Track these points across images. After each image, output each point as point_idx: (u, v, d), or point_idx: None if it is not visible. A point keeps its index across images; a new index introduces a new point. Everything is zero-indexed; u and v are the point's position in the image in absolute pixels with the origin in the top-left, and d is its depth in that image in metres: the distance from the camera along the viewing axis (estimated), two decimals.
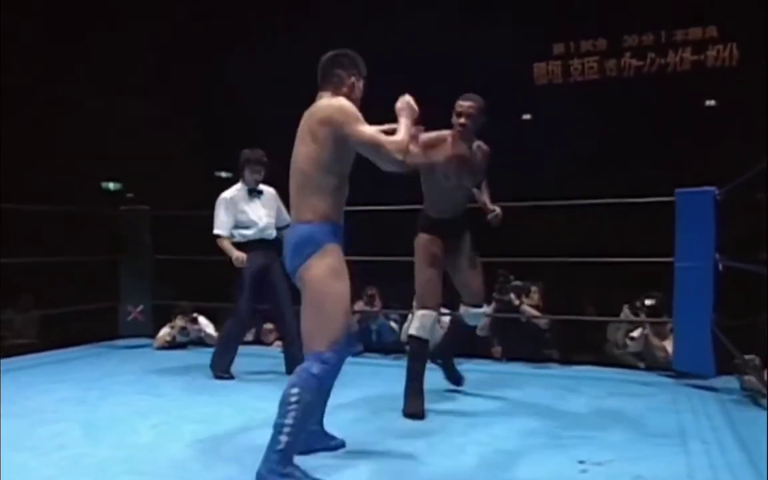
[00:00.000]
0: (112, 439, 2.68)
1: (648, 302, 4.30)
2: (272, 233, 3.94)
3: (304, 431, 2.17)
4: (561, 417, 3.06)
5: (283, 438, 2.10)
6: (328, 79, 2.35)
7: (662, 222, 3.88)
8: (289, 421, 2.10)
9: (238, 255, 3.79)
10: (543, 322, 4.57)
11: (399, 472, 2.36)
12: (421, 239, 3.17)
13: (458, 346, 3.63)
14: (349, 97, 2.31)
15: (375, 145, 2.20)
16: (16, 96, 7.62)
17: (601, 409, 3.19)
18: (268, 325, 5.15)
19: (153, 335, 4.95)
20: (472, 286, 3.28)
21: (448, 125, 3.14)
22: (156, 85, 9.05)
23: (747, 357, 3.39)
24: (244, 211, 3.88)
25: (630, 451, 2.56)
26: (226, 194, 3.90)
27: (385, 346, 4.82)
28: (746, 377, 3.40)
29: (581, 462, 2.43)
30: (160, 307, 5.19)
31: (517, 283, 4.55)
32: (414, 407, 3.01)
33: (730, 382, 3.61)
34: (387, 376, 3.92)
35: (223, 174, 10.36)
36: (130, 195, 9.78)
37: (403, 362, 3.86)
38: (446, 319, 3.99)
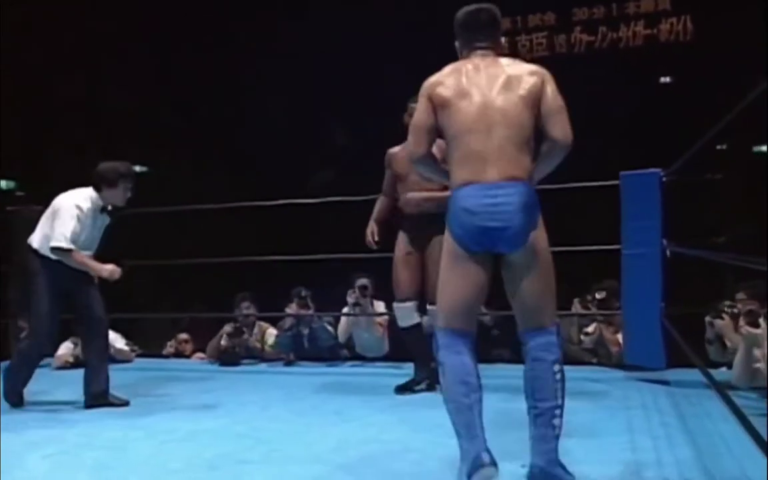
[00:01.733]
0: None
1: (598, 295, 4.46)
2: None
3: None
4: (505, 419, 3.12)
5: (558, 421, 2.20)
6: (486, 37, 2.33)
7: (612, 208, 4.03)
8: (560, 401, 2.20)
9: (111, 268, 3.55)
10: (487, 318, 4.68)
11: None
12: (398, 236, 3.71)
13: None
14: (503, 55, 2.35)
15: (562, 111, 2.24)
16: None
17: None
18: (183, 336, 5.09)
19: (52, 354, 4.79)
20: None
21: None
22: (57, 68, 8.73)
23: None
24: (90, 232, 3.61)
25: (577, 452, 2.64)
26: (84, 204, 3.57)
27: (320, 352, 4.81)
28: (717, 321, 3.56)
29: (524, 466, 2.50)
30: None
31: None
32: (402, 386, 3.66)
33: (682, 374, 3.78)
34: (323, 387, 3.93)
35: (138, 168, 10.10)
36: (20, 193, 9.39)
37: (342, 369, 4.01)
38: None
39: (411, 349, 3.78)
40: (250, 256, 5.13)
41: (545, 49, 8.78)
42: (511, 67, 2.29)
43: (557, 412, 2.20)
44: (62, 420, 3.35)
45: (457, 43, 2.42)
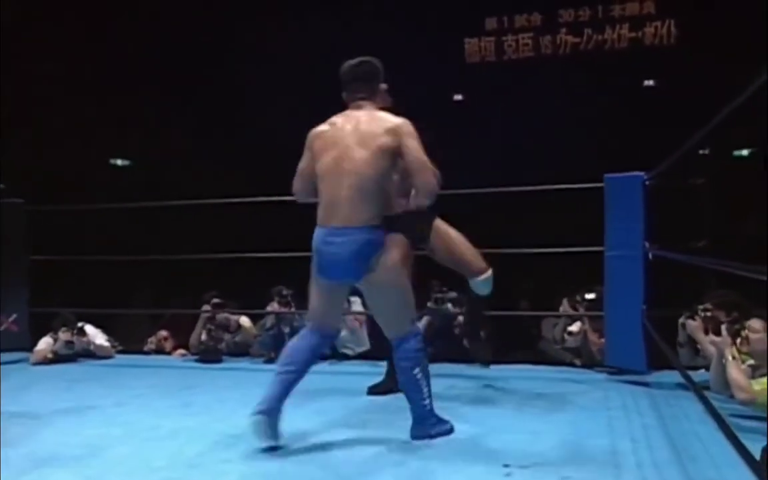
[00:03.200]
0: None
1: (588, 296, 4.50)
2: None
3: (430, 387, 2.79)
4: (487, 420, 3.16)
5: (427, 401, 2.77)
6: (360, 89, 2.73)
7: (597, 209, 4.07)
8: (425, 392, 2.77)
9: None
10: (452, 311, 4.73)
11: None
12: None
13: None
14: (386, 104, 2.77)
15: (422, 163, 2.62)
16: None
17: (530, 411, 3.32)
18: (163, 333, 5.06)
19: (30, 348, 4.75)
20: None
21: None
22: (37, 56, 8.61)
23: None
24: None
25: (557, 453, 2.68)
26: None
27: None
28: (690, 322, 3.61)
29: (506, 466, 2.53)
30: (38, 316, 4.98)
31: (453, 294, 4.71)
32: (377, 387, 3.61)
33: (662, 376, 3.84)
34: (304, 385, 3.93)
35: (120, 162, 9.99)
36: (0, 186, 9.27)
37: (323, 367, 3.94)
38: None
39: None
40: (232, 253, 5.12)
41: (531, 49, 8.83)
42: (371, 123, 2.66)
43: (426, 402, 2.79)
44: (38, 417, 3.30)
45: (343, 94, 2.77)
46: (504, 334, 5.07)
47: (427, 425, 2.81)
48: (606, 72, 8.20)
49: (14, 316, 4.88)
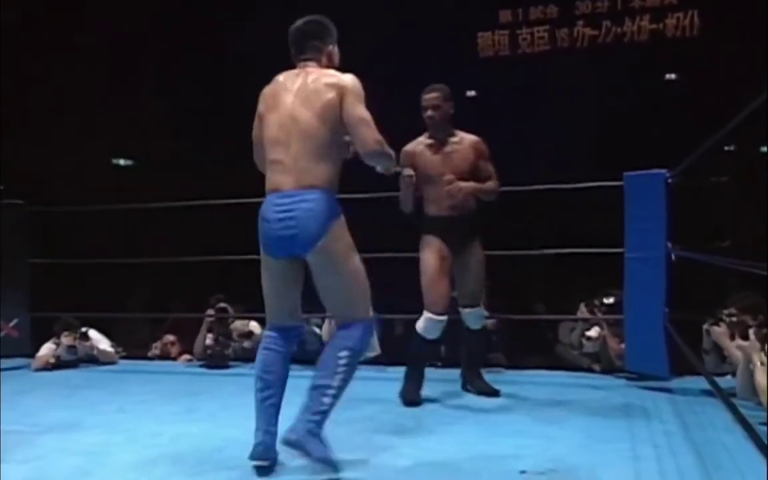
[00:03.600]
0: None
1: (607, 301, 4.46)
2: None
3: (342, 394, 2.47)
4: (502, 425, 3.15)
5: (328, 400, 2.42)
6: (306, 49, 2.62)
7: (616, 209, 4.05)
8: (336, 383, 2.43)
9: None
10: (490, 322, 4.69)
11: None
12: (423, 240, 3.58)
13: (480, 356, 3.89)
14: (330, 67, 2.62)
15: (362, 121, 2.48)
16: None
17: (547, 416, 3.30)
18: (170, 337, 5.07)
19: (32, 354, 4.78)
20: (465, 286, 3.63)
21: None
22: (36, 53, 8.68)
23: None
24: None
25: (576, 460, 2.67)
26: None
27: (308, 355, 4.81)
28: (714, 329, 3.59)
29: (523, 472, 2.52)
30: (40, 321, 5.01)
31: None
32: (411, 395, 3.52)
33: (685, 382, 3.81)
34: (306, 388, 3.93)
35: (122, 162, 10.05)
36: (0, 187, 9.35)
37: None
38: None
39: (418, 359, 3.63)
40: (236, 256, 5.11)
41: (546, 42, 8.79)
42: (316, 81, 2.55)
43: (329, 391, 2.44)
44: (39, 423, 3.32)
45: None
46: (519, 338, 5.05)
47: (310, 429, 2.41)
48: (625, 66, 8.15)
49: (15, 320, 4.91)
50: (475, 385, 3.75)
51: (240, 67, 8.01)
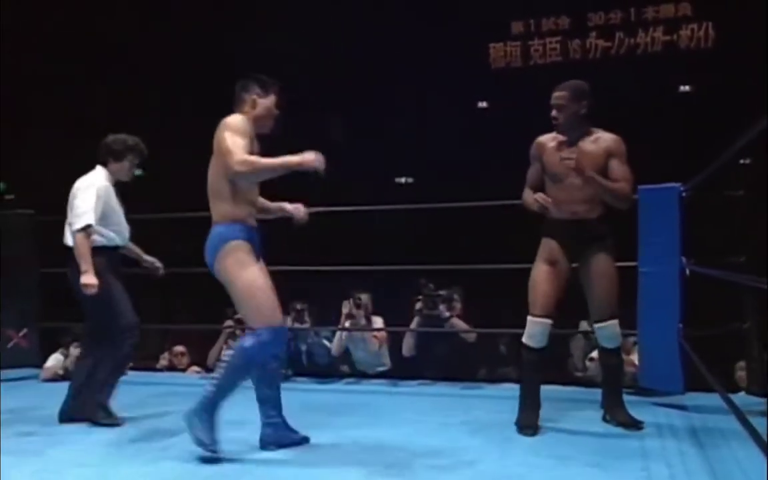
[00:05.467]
0: None
1: None
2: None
3: (229, 390, 2.90)
4: (510, 444, 3.13)
5: (209, 389, 2.89)
6: (236, 101, 3.10)
7: (625, 222, 4.02)
8: (216, 376, 2.93)
9: (92, 282, 3.39)
10: (471, 336, 4.69)
11: None
12: (541, 243, 3.39)
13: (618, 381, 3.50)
14: (251, 114, 3.04)
15: (226, 151, 2.89)
16: None
17: (556, 433, 3.27)
18: (180, 348, 5.07)
19: (40, 365, 4.79)
20: (592, 298, 3.37)
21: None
22: (47, 65, 8.78)
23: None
24: (116, 211, 3.63)
25: (588, 477, 2.64)
26: (98, 182, 3.58)
27: (317, 368, 4.81)
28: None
29: None
30: (49, 331, 5.03)
31: (441, 292, 4.69)
32: (526, 420, 3.29)
33: (700, 398, 3.76)
34: (318, 405, 3.93)
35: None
36: (10, 196, 9.42)
37: (338, 386, 3.83)
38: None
39: (530, 373, 3.37)
40: None
41: (558, 54, 8.81)
42: (217, 128, 2.99)
43: (213, 382, 2.92)
44: (47, 434, 3.34)
45: None
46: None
47: (199, 415, 2.87)
48: (639, 77, 8.13)
49: (24, 330, 4.94)
50: (615, 415, 3.38)
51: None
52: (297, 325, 4.79)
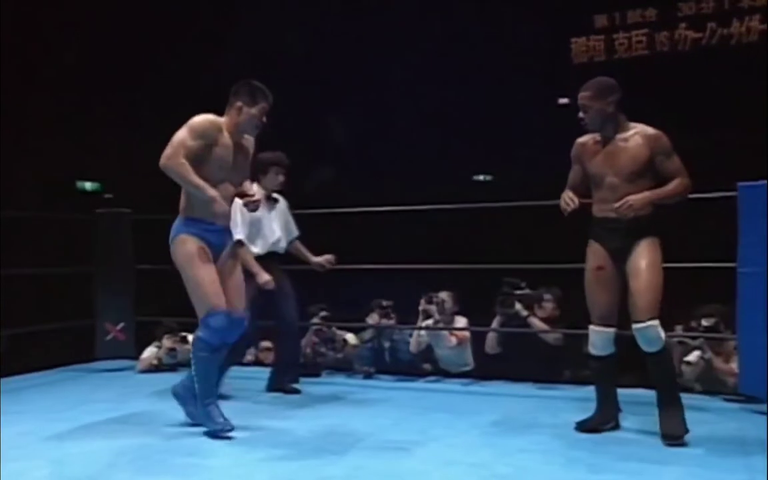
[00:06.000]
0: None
1: (705, 323, 4.20)
2: (282, 246, 4.16)
3: (206, 380, 3.22)
4: (603, 448, 3.03)
5: (195, 385, 3.23)
6: (228, 102, 3.29)
7: (723, 221, 3.84)
8: (193, 372, 3.24)
9: (266, 279, 3.93)
10: (552, 337, 4.57)
11: None
12: (588, 246, 3.29)
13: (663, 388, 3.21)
14: (234, 119, 3.25)
15: (168, 143, 3.14)
16: None
17: (653, 440, 3.14)
18: (266, 343, 5.17)
19: (136, 357, 5.00)
20: (631, 297, 3.18)
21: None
22: (143, 71, 9.13)
23: None
24: (258, 221, 4.02)
25: None
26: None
27: (400, 365, 4.82)
28: None
29: None
30: (144, 325, 5.23)
31: (526, 291, 4.61)
32: (589, 423, 3.27)
33: None
34: (399, 402, 3.94)
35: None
36: (108, 196, 9.85)
37: (417, 384, 4.25)
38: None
39: (598, 381, 3.34)
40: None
41: (645, 47, 8.49)
42: None
43: (193, 377, 3.24)
44: (143, 424, 3.47)
45: None
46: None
47: (189, 400, 3.30)
48: (733, 70, 7.74)
49: (122, 324, 5.15)
50: (660, 424, 3.14)
51: None
52: (384, 322, 4.82)
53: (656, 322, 3.09)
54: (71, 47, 8.72)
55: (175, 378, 4.69)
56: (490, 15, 8.18)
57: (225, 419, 3.18)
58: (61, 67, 8.74)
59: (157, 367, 4.91)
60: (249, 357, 5.56)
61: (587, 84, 3.24)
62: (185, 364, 4.99)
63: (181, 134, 3.13)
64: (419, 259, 4.96)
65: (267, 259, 4.05)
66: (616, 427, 3.30)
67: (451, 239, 6.78)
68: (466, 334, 4.83)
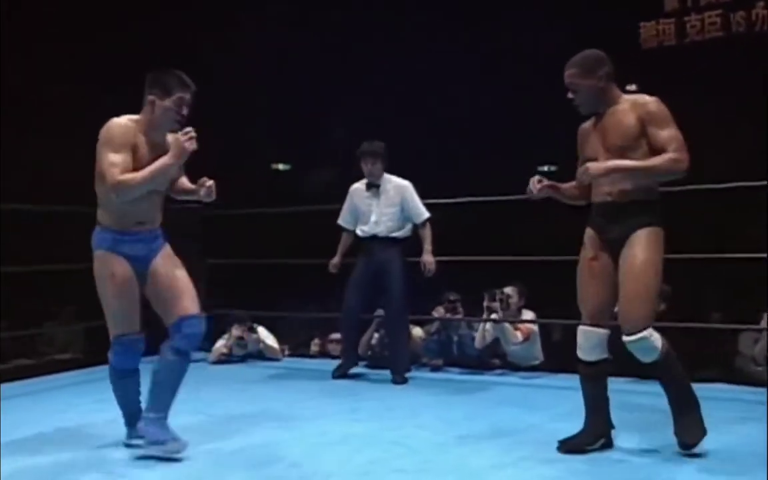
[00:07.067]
0: (162, 464, 2.79)
1: None
2: (385, 232, 4.35)
3: (119, 401, 3.13)
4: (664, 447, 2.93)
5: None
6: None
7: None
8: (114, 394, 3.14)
9: (333, 261, 4.45)
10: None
11: None
12: (585, 232, 2.91)
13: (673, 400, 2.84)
14: (148, 116, 2.84)
15: (100, 174, 2.77)
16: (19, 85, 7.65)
17: (728, 437, 3.01)
18: (335, 335, 5.22)
19: (208, 348, 5.12)
20: (621, 304, 2.77)
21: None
22: (199, 65, 9.30)
23: None
24: (358, 206, 4.44)
25: None
26: (353, 185, 4.50)
27: (468, 359, 4.79)
28: None
29: None
30: (215, 317, 5.36)
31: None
32: (570, 444, 2.86)
33: None
34: (468, 396, 3.91)
35: (281, 166, 10.58)
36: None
37: (486, 377, 4.10)
38: None
39: (585, 391, 2.89)
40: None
41: (719, 28, 8.12)
42: None
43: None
44: (215, 416, 3.55)
45: None
46: (694, 348, 4.69)
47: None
48: None
49: None
50: (677, 433, 2.82)
51: None
52: (449, 316, 4.80)
53: (647, 333, 2.68)
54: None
55: (246, 371, 4.85)
56: (558, 1, 8.00)
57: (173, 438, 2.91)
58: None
59: (227, 358, 5.02)
60: (315, 348, 5.64)
61: (572, 60, 2.84)
62: (254, 356, 5.14)
63: (106, 155, 2.74)
64: (484, 251, 4.89)
65: (370, 242, 4.38)
66: (608, 445, 2.88)
67: (515, 231, 6.68)
68: (533, 328, 4.75)
